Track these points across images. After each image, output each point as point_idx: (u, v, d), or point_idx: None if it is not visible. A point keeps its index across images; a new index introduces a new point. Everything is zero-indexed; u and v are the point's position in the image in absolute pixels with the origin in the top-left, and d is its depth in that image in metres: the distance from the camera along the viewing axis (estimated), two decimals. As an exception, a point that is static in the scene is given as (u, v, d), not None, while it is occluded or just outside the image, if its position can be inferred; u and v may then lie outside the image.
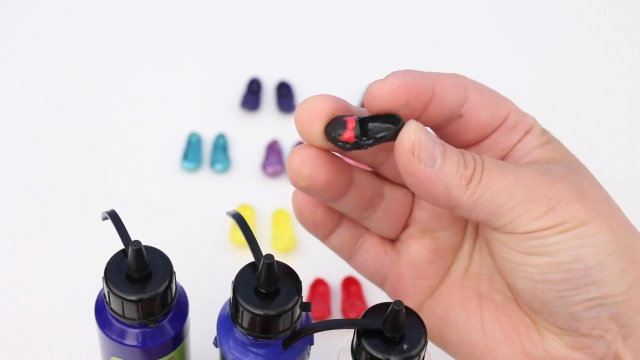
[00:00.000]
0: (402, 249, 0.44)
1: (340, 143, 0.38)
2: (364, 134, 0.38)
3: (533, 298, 0.40)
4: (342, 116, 0.39)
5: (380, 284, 0.46)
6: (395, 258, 0.44)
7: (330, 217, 0.43)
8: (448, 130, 0.42)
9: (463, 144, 0.42)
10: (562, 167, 0.40)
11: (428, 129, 0.39)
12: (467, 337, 0.43)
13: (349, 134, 0.38)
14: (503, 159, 0.42)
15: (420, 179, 0.37)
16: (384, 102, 0.38)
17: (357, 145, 0.38)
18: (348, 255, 0.45)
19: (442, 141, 0.38)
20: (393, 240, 0.45)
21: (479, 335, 0.43)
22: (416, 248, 0.44)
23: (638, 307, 0.38)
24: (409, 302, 0.44)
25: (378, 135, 0.38)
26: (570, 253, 0.37)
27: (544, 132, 0.42)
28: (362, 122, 0.38)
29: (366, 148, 0.38)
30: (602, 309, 0.38)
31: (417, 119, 0.39)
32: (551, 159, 0.41)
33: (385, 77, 0.38)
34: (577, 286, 0.38)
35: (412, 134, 0.37)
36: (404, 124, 0.38)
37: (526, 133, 0.42)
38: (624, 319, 0.39)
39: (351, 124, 0.38)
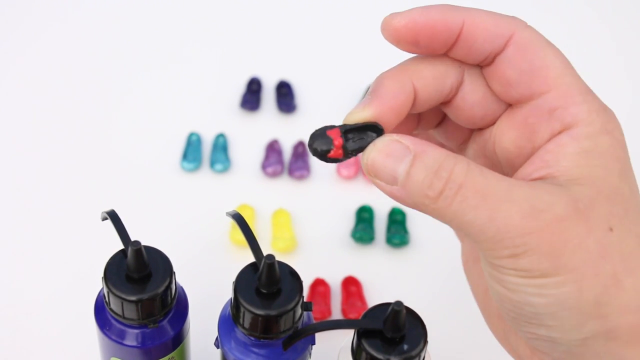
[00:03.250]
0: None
1: (326, 159, 0.38)
2: (347, 144, 0.38)
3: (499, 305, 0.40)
4: (325, 128, 0.38)
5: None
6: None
7: None
8: (488, 71, 0.38)
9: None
10: (573, 202, 0.36)
11: (403, 137, 0.37)
12: (476, 297, 0.45)
13: (336, 151, 0.37)
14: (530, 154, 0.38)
15: (386, 193, 0.37)
16: (392, 38, 0.37)
17: (343, 157, 0.38)
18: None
19: (417, 151, 0.36)
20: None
21: (481, 299, 0.44)
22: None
23: (596, 353, 0.37)
24: None
25: (358, 146, 0.37)
26: (524, 297, 0.36)
27: (592, 134, 0.36)
28: (345, 132, 0.38)
29: (348, 158, 0.38)
30: (555, 346, 0.38)
31: (447, 53, 0.37)
32: (578, 177, 0.36)
33: (403, 12, 0.37)
34: (527, 321, 0.37)
35: (365, 158, 0.37)
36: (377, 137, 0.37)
37: (564, 129, 0.37)
38: (581, 358, 0.37)
39: (337, 140, 0.37)
